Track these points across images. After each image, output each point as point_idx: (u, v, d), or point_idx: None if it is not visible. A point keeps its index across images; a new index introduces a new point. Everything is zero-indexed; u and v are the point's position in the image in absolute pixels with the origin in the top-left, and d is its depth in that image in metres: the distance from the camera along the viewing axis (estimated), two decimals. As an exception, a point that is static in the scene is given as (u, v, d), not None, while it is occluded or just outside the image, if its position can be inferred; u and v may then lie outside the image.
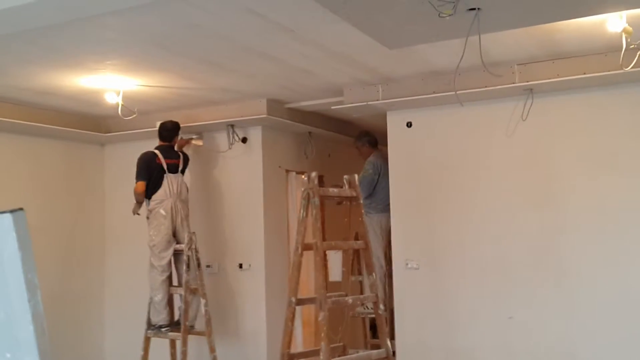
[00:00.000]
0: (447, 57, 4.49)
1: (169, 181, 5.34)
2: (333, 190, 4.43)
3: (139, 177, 5.36)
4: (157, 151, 5.41)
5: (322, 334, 4.04)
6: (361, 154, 5.93)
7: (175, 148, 5.55)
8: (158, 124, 5.62)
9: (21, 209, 1.11)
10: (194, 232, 5.27)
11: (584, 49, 4.37)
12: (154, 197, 5.32)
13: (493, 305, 4.86)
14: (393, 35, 3.66)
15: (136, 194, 5.35)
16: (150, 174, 5.34)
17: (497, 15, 3.32)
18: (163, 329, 5.24)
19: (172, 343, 5.47)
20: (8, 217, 1.08)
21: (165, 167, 5.36)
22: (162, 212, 5.27)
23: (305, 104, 5.80)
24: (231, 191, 5.84)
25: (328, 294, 4.16)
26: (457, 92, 4.31)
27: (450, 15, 3.10)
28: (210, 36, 3.90)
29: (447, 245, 5.08)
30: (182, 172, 5.51)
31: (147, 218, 5.35)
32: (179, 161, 5.48)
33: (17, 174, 5.78)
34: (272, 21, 3.63)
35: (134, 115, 5.30)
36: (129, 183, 6.35)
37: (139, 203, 5.43)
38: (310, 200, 4.26)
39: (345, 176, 4.52)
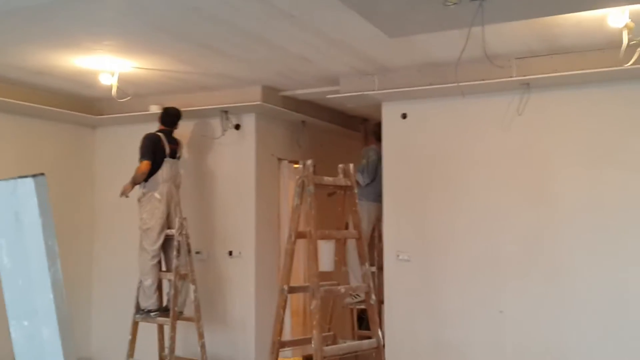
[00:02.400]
0: (446, 49, 4.49)
1: (169, 166, 5.31)
2: (328, 179, 4.41)
3: (144, 156, 5.22)
4: (160, 134, 5.36)
5: (314, 323, 4.03)
6: (365, 139, 6.00)
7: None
8: (152, 107, 5.56)
9: (42, 174, 1.08)
10: (185, 218, 5.23)
11: (583, 44, 4.39)
12: (151, 179, 5.26)
13: (484, 299, 4.88)
14: (395, 24, 3.64)
15: (139, 173, 5.21)
16: (155, 155, 5.28)
17: (501, 6, 3.31)
18: (152, 314, 5.20)
19: (160, 328, 5.44)
20: (30, 181, 1.05)
21: (167, 151, 5.31)
22: (157, 195, 5.22)
23: (300, 92, 5.77)
24: (223, 178, 5.80)
25: (320, 283, 4.15)
26: (455, 84, 4.30)
27: (455, 4, 3.09)
28: (209, 20, 3.86)
29: (439, 238, 5.09)
30: (178, 158, 5.47)
31: (139, 201, 5.29)
32: (177, 147, 5.46)
33: (6, 154, 5.69)
34: (274, 6, 3.60)
35: (128, 98, 5.24)
36: (119, 166, 6.30)
37: (135, 184, 5.29)
38: (305, 188, 4.24)
39: (340, 165, 4.50)
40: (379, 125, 5.56)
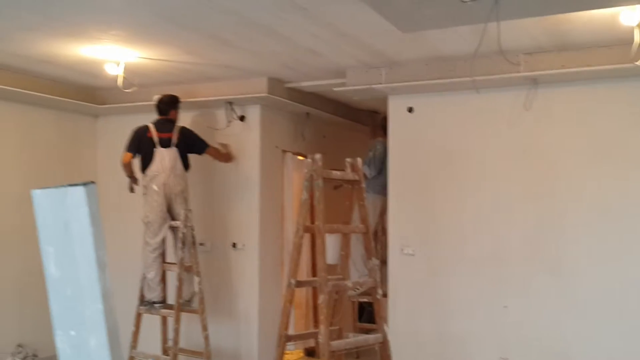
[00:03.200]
0: (454, 43, 4.47)
1: (161, 156, 5.20)
2: (336, 173, 4.39)
3: (126, 148, 5.30)
4: (150, 124, 5.29)
5: (322, 317, 4.02)
6: (373, 132, 6.05)
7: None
8: (156, 97, 5.51)
9: (92, 182, 1.05)
10: (189, 209, 5.20)
11: (592, 41, 4.37)
12: (147, 172, 5.19)
13: (488, 294, 4.89)
14: (408, 19, 3.61)
15: (122, 165, 5.29)
16: (138, 147, 5.24)
17: (516, 3, 3.29)
18: (156, 305, 5.17)
19: (164, 320, 5.43)
20: (81, 190, 1.03)
21: (156, 140, 5.22)
22: (155, 187, 5.14)
23: (306, 84, 5.74)
24: (227, 169, 5.77)
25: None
26: (469, 78, 4.28)
27: (472, 0, 3.07)
28: (219, 10, 3.82)
29: (444, 233, 5.09)
30: (179, 146, 5.29)
31: (144, 195, 5.26)
32: (171, 135, 5.27)
33: (8, 142, 5.65)
34: (287, -2, 3.57)
35: (134, 88, 5.20)
36: (121, 156, 6.27)
37: (128, 177, 5.36)
38: (313, 182, 4.22)
39: (348, 159, 4.48)
40: (385, 119, 5.54)
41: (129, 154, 5.28)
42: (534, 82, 4.74)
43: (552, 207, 4.74)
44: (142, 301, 5.22)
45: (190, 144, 5.38)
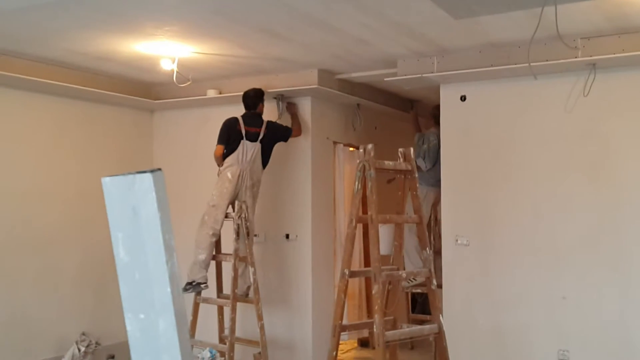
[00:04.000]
0: (507, 29, 4.39)
1: (244, 148, 5.30)
2: (389, 163, 4.37)
3: (218, 141, 5.39)
4: (239, 117, 5.39)
5: (376, 307, 4.02)
6: (415, 124, 6.10)
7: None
8: (210, 91, 5.61)
9: (159, 169, 1.09)
10: (244, 201, 5.27)
11: (654, 24, 4.22)
12: (227, 159, 5.32)
13: (545, 284, 4.79)
14: (461, 5, 3.57)
15: (214, 157, 5.41)
16: (228, 139, 5.35)
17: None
18: (202, 285, 5.23)
19: (220, 310, 5.52)
20: (148, 177, 1.06)
21: (243, 133, 5.33)
22: (229, 175, 5.26)
23: (356, 75, 5.73)
24: (279, 161, 5.82)
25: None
26: (520, 65, 4.19)
27: (527, -16, 3.01)
28: (270, 3, 3.85)
29: (498, 222, 5.01)
30: (262, 140, 5.36)
31: (218, 175, 5.37)
32: (259, 130, 5.37)
33: (69, 138, 5.84)
34: (338, -12, 3.56)
35: (188, 83, 5.29)
36: (177, 150, 6.42)
37: (219, 166, 5.45)
38: (365, 172, 4.22)
39: (400, 149, 4.46)
40: (437, 108, 5.48)
41: (221, 147, 5.37)
42: (593, 67, 4.61)
43: (612, 196, 4.61)
44: (187, 283, 5.23)
45: (277, 136, 5.49)
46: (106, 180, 1.10)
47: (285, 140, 5.54)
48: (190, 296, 5.37)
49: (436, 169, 5.49)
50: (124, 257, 1.08)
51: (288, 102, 5.77)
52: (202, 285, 5.25)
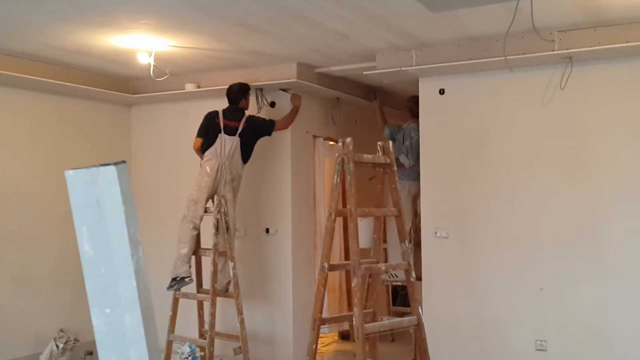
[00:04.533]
0: (486, 23, 4.40)
1: (222, 141, 5.27)
2: (367, 157, 4.37)
3: (197, 133, 5.39)
4: (220, 111, 5.36)
5: (355, 300, 4.03)
6: (381, 116, 6.11)
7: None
8: (188, 85, 5.56)
9: (124, 161, 1.07)
10: (223, 196, 5.25)
11: (629, 17, 4.26)
12: (206, 153, 5.30)
13: (523, 276, 4.83)
14: (438, -1, 3.58)
15: (194, 149, 5.41)
16: (207, 132, 5.33)
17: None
18: (186, 279, 5.22)
19: (200, 304, 5.50)
20: (112, 169, 1.05)
21: (221, 126, 5.29)
22: (208, 169, 5.23)
23: (335, 68, 5.73)
24: (259, 155, 5.80)
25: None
26: (502, 58, 4.21)
27: (503, -23, 3.01)
28: (249, -4, 3.83)
29: (477, 215, 5.04)
30: (243, 135, 5.32)
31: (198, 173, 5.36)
32: (238, 124, 5.33)
33: (45, 133, 5.77)
34: (316, -19, 3.55)
35: (166, 77, 5.25)
36: (155, 144, 6.37)
37: (201, 159, 5.44)
38: (344, 165, 4.21)
39: (379, 143, 4.46)
40: (415, 101, 5.48)
41: (199, 139, 5.37)
42: (569, 60, 4.64)
43: (589, 188, 4.65)
44: (172, 279, 5.23)
45: (257, 131, 5.43)
46: (70, 173, 1.09)
47: (269, 134, 5.49)
48: (169, 292, 5.34)
49: (418, 164, 5.49)
50: (88, 251, 1.07)
51: (294, 94, 5.69)
52: (187, 279, 5.24)
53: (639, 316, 4.46)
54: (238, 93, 5.43)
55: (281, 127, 5.56)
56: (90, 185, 1.06)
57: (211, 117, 5.36)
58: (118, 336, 1.06)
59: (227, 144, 5.28)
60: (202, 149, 5.34)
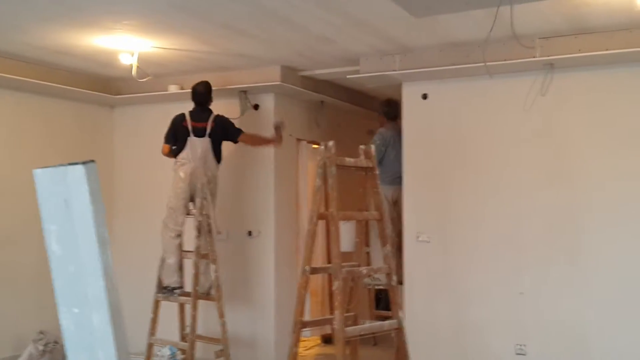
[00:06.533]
0: (468, 29, 4.43)
1: (192, 144, 5.19)
2: (349, 160, 4.38)
3: (164, 139, 5.35)
4: (186, 113, 5.29)
5: (336, 304, 4.03)
6: (379, 120, 5.98)
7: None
8: (171, 87, 5.54)
9: (92, 160, 1.07)
10: (204, 198, 5.22)
11: (610, 25, 4.31)
12: (177, 158, 5.23)
13: (504, 280, 4.86)
14: (420, 3, 3.59)
15: (163, 155, 5.37)
16: (175, 137, 5.27)
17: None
18: (176, 291, 5.21)
19: (182, 307, 5.47)
20: (80, 168, 1.04)
21: (190, 129, 5.22)
22: (181, 174, 5.17)
23: (319, 72, 5.74)
24: (242, 158, 5.79)
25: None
26: (482, 64, 4.24)
27: (484, -17, 3.04)
28: (233, -1, 3.82)
29: (459, 220, 5.07)
30: (213, 136, 5.23)
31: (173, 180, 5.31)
32: (206, 124, 5.24)
33: (27, 133, 5.72)
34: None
35: (149, 78, 5.23)
36: (138, 146, 6.34)
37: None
38: (326, 169, 4.22)
39: (361, 146, 4.47)
40: (387, 104, 5.51)
41: (167, 146, 5.32)
42: (550, 66, 4.69)
43: (569, 194, 4.70)
44: (161, 288, 5.25)
45: (225, 133, 5.32)
46: (38, 172, 1.08)
47: (235, 141, 5.35)
48: (151, 294, 5.32)
49: (384, 169, 5.45)
50: (56, 250, 1.06)
51: (278, 126, 5.48)
52: (176, 291, 5.21)
53: (617, 321, 4.50)
54: (206, 94, 5.33)
55: (247, 141, 5.40)
56: (59, 184, 1.05)
57: (178, 121, 5.27)
58: (86, 336, 1.06)
59: (198, 146, 5.19)
60: (174, 153, 5.27)
